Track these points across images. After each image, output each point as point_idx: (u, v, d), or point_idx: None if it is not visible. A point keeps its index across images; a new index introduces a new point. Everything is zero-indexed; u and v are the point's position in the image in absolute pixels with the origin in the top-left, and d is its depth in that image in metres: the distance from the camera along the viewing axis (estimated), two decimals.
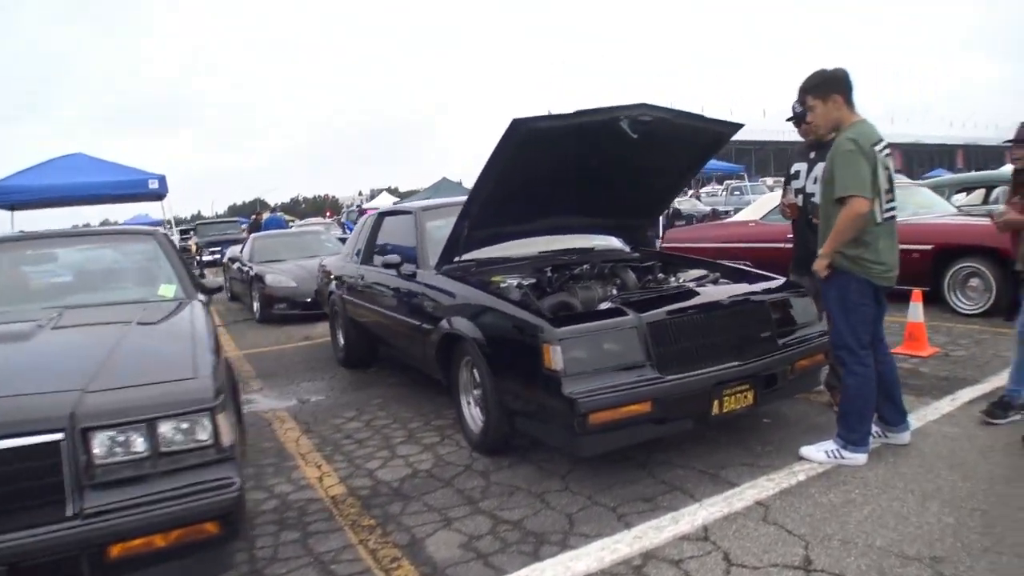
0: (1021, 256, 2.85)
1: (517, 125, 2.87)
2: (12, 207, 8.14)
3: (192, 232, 20.02)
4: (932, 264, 5.50)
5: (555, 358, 2.60)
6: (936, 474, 2.71)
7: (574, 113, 2.97)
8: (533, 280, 3.57)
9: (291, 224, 18.69)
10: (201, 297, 3.46)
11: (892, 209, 2.74)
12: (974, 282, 5.40)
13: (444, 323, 3.41)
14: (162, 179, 7.97)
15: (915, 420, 3.31)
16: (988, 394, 3.51)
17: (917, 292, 4.46)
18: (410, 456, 3.35)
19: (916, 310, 4.44)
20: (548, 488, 2.84)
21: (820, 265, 2.79)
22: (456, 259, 3.71)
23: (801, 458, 2.91)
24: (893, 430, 2.95)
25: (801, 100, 2.80)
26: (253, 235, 9.94)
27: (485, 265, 3.81)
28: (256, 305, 8.19)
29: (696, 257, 4.20)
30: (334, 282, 5.50)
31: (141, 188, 7.85)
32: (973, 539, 2.20)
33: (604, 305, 3.01)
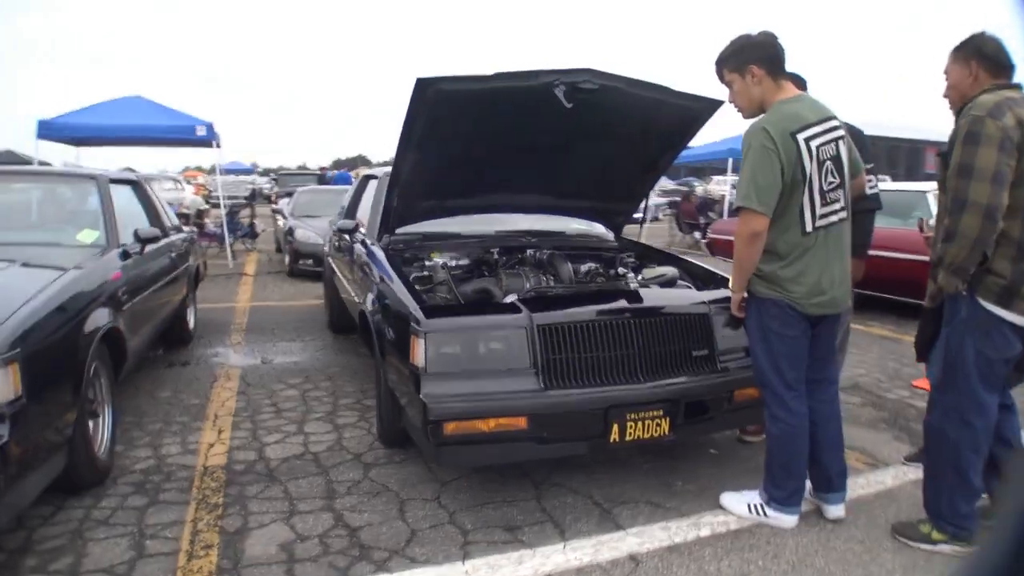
0: (930, 293, 2.02)
1: (424, 85, 2.50)
2: (77, 143, 8.70)
3: (275, 181, 21.20)
4: None
5: (418, 353, 2.27)
6: (875, 555, 2.15)
7: (495, 75, 2.55)
8: (467, 261, 3.23)
9: None
10: (131, 246, 3.41)
11: (834, 213, 2.12)
12: None
13: (368, 296, 3.16)
14: (210, 126, 8.18)
15: (890, 478, 2.71)
16: None
17: None
18: (313, 435, 3.15)
19: None
20: (418, 495, 2.55)
21: (733, 302, 2.27)
22: (396, 231, 3.43)
23: (721, 507, 2.43)
24: (820, 496, 2.34)
25: (719, 75, 2.21)
26: (299, 190, 10.12)
27: (431, 239, 3.50)
28: (287, 259, 8.34)
29: (673, 253, 3.67)
30: (328, 243, 5.40)
31: (189, 134, 8.10)
32: None
33: (510, 299, 2.63)
